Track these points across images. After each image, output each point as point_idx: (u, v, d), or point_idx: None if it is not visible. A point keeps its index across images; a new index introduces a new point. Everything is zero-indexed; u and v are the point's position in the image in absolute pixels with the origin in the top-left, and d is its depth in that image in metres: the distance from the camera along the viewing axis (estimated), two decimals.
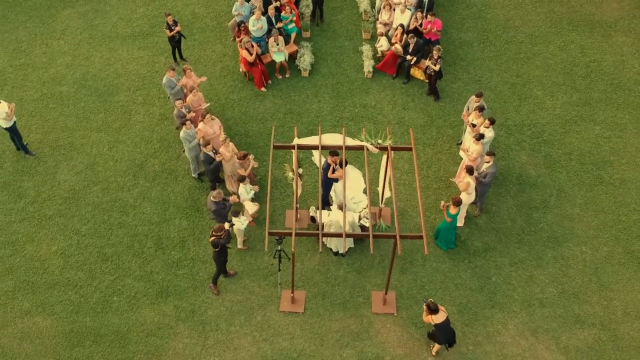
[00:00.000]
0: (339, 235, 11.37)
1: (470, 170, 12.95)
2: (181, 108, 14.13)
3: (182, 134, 13.73)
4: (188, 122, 13.58)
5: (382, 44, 16.81)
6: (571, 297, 12.90)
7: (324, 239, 13.18)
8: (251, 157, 13.64)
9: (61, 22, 18.32)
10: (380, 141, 12.20)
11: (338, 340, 12.32)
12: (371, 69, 16.70)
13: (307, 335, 12.39)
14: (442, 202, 12.94)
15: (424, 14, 16.60)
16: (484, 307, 12.77)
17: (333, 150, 12.65)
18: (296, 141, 12.36)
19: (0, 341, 12.30)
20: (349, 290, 12.98)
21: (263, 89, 16.41)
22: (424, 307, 11.40)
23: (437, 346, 12.05)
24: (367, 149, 12.07)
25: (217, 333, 12.43)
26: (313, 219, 13.52)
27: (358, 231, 13.03)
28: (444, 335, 11.61)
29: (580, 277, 13.17)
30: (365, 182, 13.37)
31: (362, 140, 12.24)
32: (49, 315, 12.67)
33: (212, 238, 12.03)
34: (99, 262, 13.40)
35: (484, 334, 12.42)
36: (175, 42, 16.55)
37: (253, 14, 16.45)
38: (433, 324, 11.43)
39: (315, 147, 12.28)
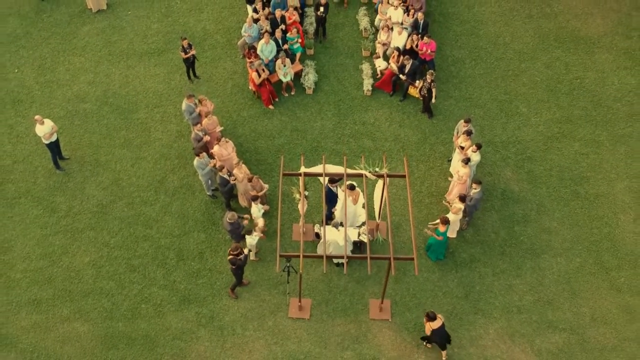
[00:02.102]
0: (340, 257, 13.08)
1: (462, 199, 14.50)
2: (199, 131, 15.61)
3: (195, 162, 15.20)
4: (201, 153, 15.03)
5: (380, 64, 18.17)
6: (545, 304, 14.59)
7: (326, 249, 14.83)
8: (265, 187, 15.20)
9: (81, 38, 19.62)
10: (377, 169, 13.77)
11: (340, 344, 14.08)
12: (370, 87, 18.09)
13: (312, 339, 14.14)
14: (427, 230, 14.58)
15: (420, 36, 17.92)
16: (468, 313, 14.48)
17: (332, 178, 14.19)
18: (302, 170, 13.92)
19: (45, 344, 14.08)
20: (349, 298, 14.68)
21: (271, 106, 17.84)
22: (425, 316, 13.21)
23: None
24: (366, 177, 13.67)
25: (234, 337, 14.18)
26: (317, 235, 15.15)
27: (351, 246, 14.67)
28: (440, 338, 13.44)
29: (555, 286, 14.85)
30: (364, 198, 14.94)
31: (361, 169, 13.79)
32: (85, 321, 14.41)
33: (230, 257, 13.68)
34: (127, 273, 15.08)
35: (468, 338, 14.16)
36: (190, 63, 17.93)
37: (262, 35, 17.76)
38: (431, 329, 13.23)
39: (320, 175, 13.91)
